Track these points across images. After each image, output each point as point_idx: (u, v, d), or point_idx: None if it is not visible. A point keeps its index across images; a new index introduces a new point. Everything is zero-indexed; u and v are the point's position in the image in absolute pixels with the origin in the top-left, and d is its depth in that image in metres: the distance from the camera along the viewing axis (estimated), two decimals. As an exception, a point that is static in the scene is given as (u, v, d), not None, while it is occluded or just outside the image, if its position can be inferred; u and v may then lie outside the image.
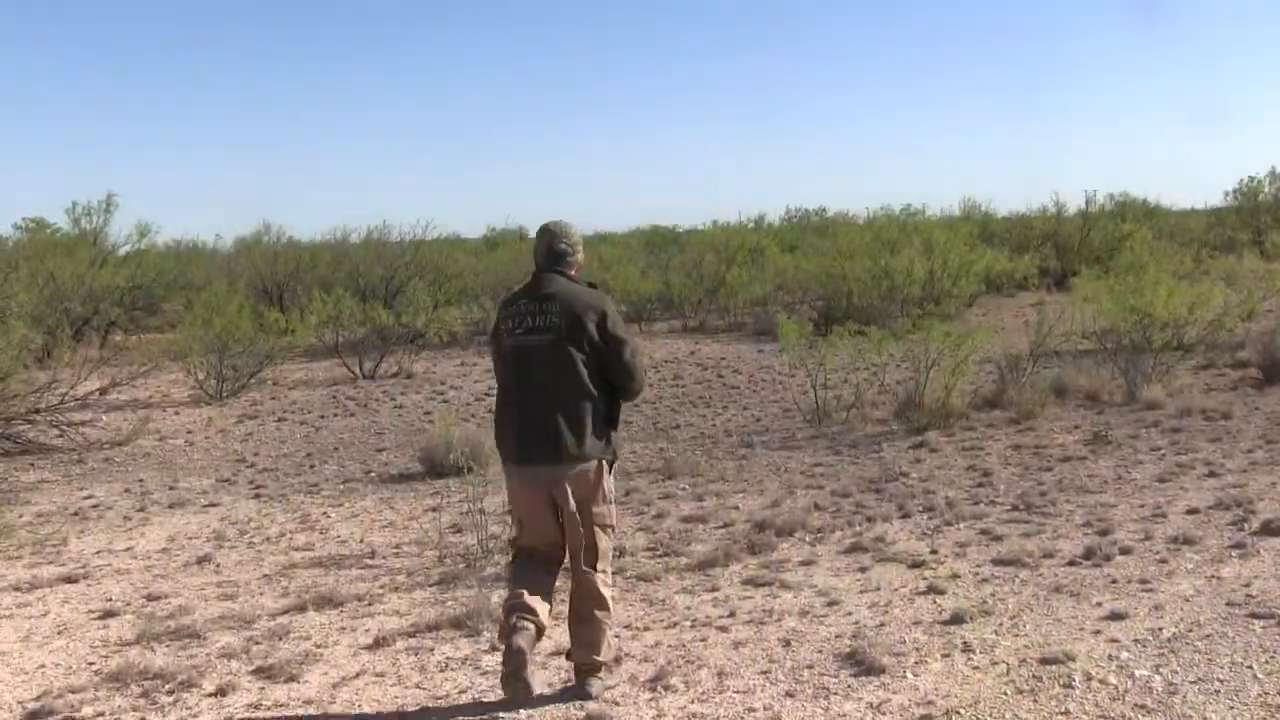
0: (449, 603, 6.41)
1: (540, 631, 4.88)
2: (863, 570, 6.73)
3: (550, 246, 5.12)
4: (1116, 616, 5.62)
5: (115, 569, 7.53)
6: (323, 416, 13.98)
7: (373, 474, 10.50)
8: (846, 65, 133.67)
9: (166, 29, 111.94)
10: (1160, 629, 5.43)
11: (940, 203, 50.53)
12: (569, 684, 5.11)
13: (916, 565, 6.74)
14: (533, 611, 4.82)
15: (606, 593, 5.06)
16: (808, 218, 43.87)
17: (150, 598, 6.78)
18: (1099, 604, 5.85)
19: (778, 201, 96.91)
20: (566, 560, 5.10)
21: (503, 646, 4.84)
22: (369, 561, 7.47)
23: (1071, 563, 6.62)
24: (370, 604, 6.48)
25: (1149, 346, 12.74)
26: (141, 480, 10.53)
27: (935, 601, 6.06)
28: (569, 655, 5.13)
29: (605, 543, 5.08)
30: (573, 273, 5.14)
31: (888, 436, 10.91)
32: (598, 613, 5.02)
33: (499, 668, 4.90)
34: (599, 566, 5.03)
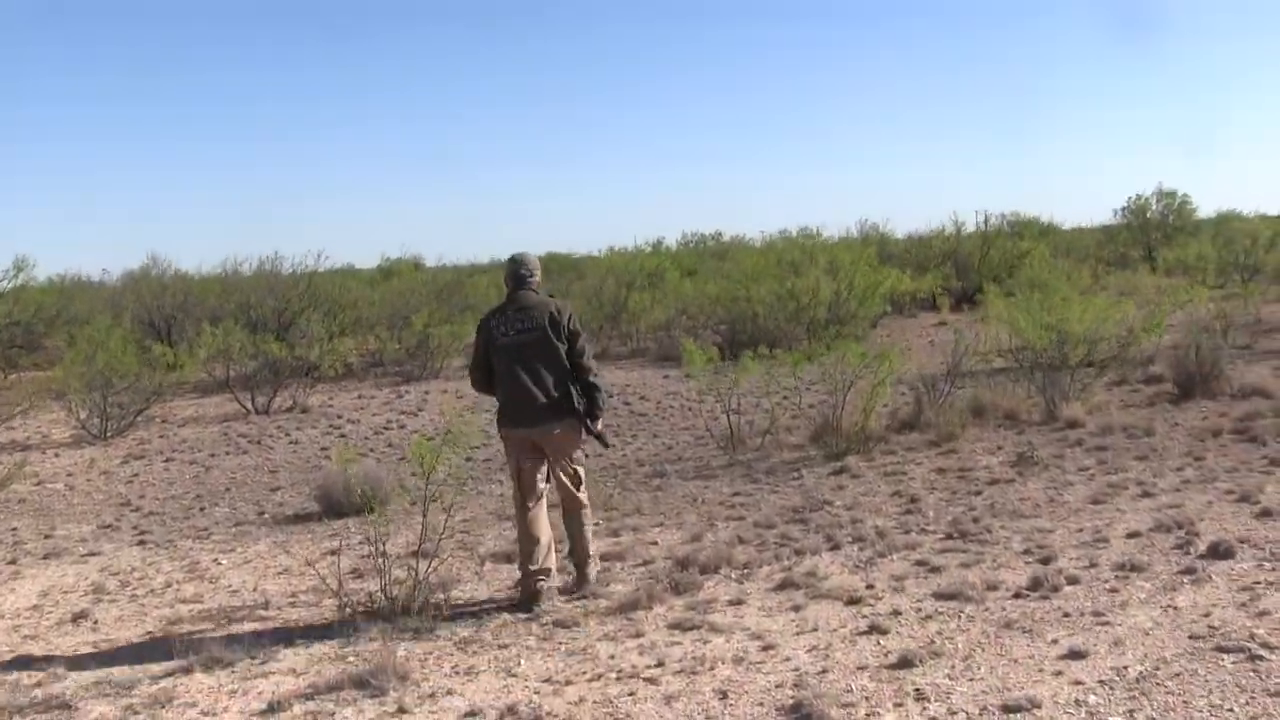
0: (350, 658, 5.84)
1: (544, 545, 6.75)
2: (796, 609, 6.29)
3: (517, 272, 6.98)
4: (1076, 655, 5.23)
5: (-24, 631, 6.82)
6: (213, 455, 13.24)
7: (267, 515, 9.85)
8: (732, 91, 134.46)
9: (42, 47, 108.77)
10: (1125, 667, 5.05)
11: (837, 225, 50.71)
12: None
13: (854, 602, 6.32)
14: (536, 535, 6.73)
15: (583, 497, 7.00)
16: (704, 242, 43.84)
17: (15, 663, 6.09)
18: (1055, 640, 5.47)
19: (672, 227, 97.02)
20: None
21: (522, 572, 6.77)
22: (262, 613, 6.85)
23: (1018, 595, 6.26)
24: (264, 662, 5.88)
25: (1065, 364, 12.54)
26: (14, 529, 9.76)
27: (879, 642, 5.64)
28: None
29: (581, 472, 7.03)
30: (535, 288, 6.99)
31: (806, 462, 10.52)
32: (582, 514, 6.97)
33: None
34: (580, 490, 6.96)
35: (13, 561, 8.60)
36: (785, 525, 8.20)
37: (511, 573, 7.48)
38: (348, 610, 6.55)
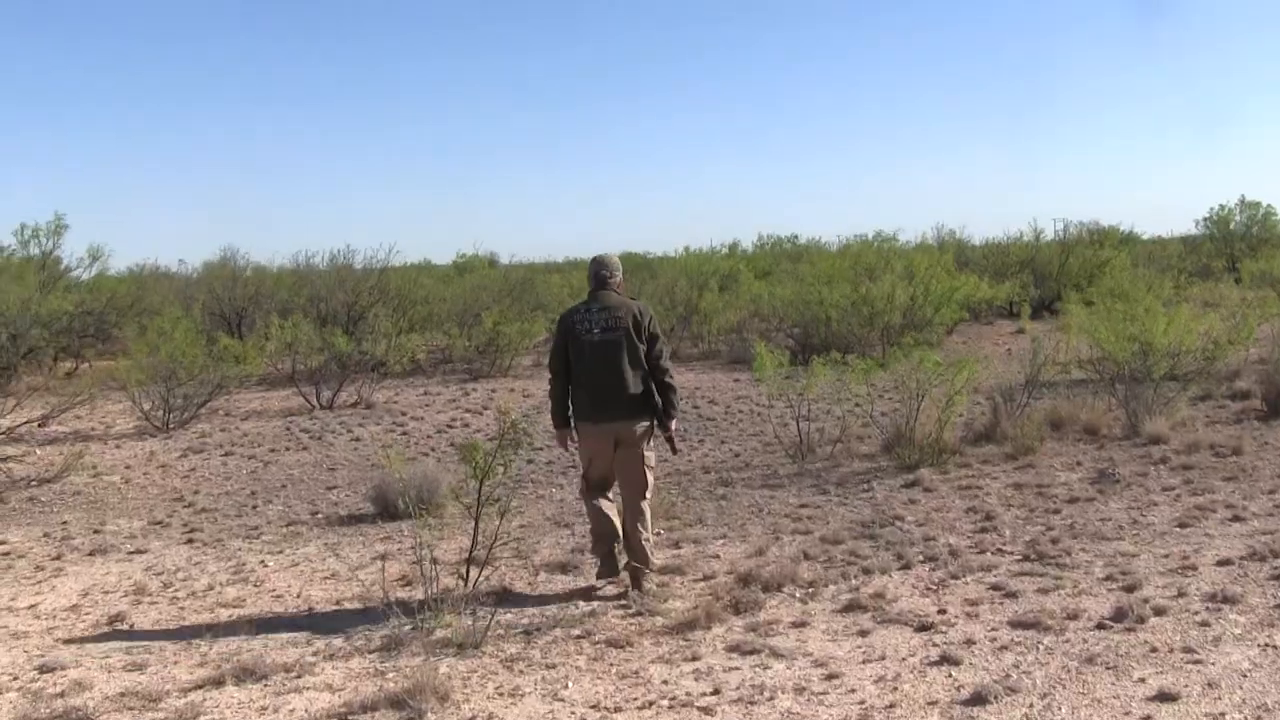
0: (390, 674, 5.55)
1: (617, 530, 7.02)
2: (863, 634, 5.92)
3: (599, 273, 7.15)
4: (1166, 697, 4.82)
5: (11, 632, 6.60)
6: (273, 450, 13.08)
7: (320, 515, 9.63)
8: (809, 94, 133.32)
9: (125, 44, 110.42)
10: (1222, 715, 4.63)
11: (913, 230, 50.06)
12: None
13: (924, 628, 5.94)
14: (610, 519, 7.03)
15: (648, 509, 7.10)
16: (780, 244, 43.36)
17: (43, 669, 5.85)
18: (1142, 679, 5.05)
19: (748, 229, 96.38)
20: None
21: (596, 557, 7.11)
22: (304, 622, 6.60)
23: (1100, 625, 5.84)
24: (299, 675, 5.61)
25: (1149, 377, 12.01)
26: (65, 523, 9.62)
27: (950, 675, 5.25)
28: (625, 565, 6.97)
29: (650, 477, 7.12)
30: (617, 288, 7.17)
31: (877, 474, 10.12)
32: (640, 527, 6.98)
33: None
34: (646, 495, 7.07)
35: (58, 557, 8.43)
36: (854, 541, 7.82)
37: (566, 583, 7.20)
38: (391, 621, 6.27)
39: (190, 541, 8.80)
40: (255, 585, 7.46)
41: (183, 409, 15.10)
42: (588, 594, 6.94)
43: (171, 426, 14.77)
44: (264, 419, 15.67)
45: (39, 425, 14.56)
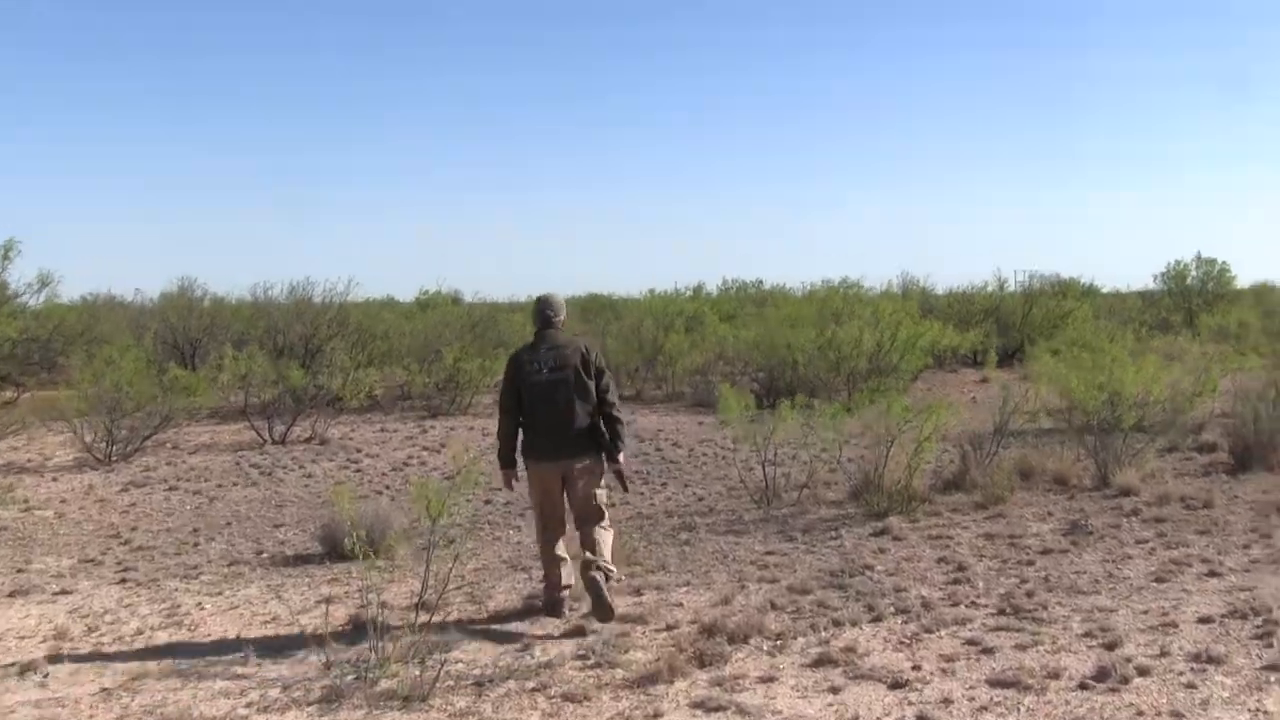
0: (329, 729, 5.18)
1: (566, 578, 7.22)
2: (835, 691, 5.59)
3: (544, 313, 7.40)
4: (1159, 767, 4.53)
5: (-86, 681, 6.12)
6: (220, 486, 12.65)
7: (265, 555, 9.22)
8: (771, 139, 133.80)
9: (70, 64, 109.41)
10: (1220, 786, 4.35)
11: (876, 278, 50.14)
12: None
13: (898, 685, 5.63)
14: (560, 560, 7.22)
15: (607, 539, 7.27)
16: (745, 289, 43.25)
17: (-58, 725, 5.43)
18: (1132, 747, 4.76)
19: (713, 273, 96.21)
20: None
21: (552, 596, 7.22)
22: (239, 671, 6.18)
23: (1083, 685, 5.55)
24: (229, 731, 5.23)
25: (1118, 427, 11.79)
26: (-10, 560, 9.17)
27: (928, 737, 4.94)
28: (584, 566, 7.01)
29: (602, 505, 7.35)
30: (560, 327, 7.39)
31: (845, 521, 9.83)
32: (601, 526, 7.27)
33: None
34: (603, 523, 7.31)
35: (-26, 598, 7.96)
36: (822, 590, 7.50)
37: (521, 629, 6.85)
38: (333, 670, 5.90)
39: (123, 581, 8.35)
40: (190, 629, 7.04)
41: (126, 441, 14.64)
42: (543, 640, 6.59)
43: (114, 459, 14.31)
44: (213, 453, 15.23)
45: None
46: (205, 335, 24.09)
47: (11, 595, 8.01)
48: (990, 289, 31.88)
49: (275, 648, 6.58)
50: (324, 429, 16.48)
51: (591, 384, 7.18)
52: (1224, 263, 37.01)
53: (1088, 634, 6.40)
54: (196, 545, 9.63)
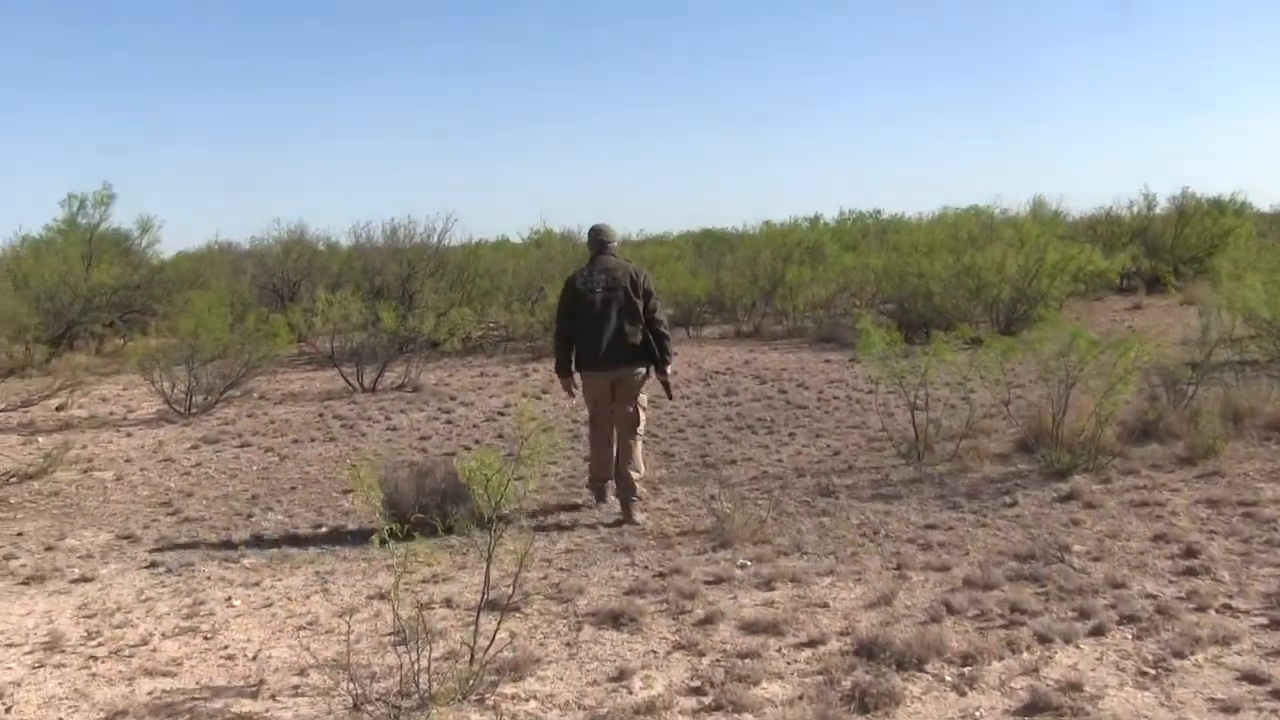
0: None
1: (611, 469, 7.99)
2: (1062, 757, 3.90)
3: (598, 239, 8.13)
4: None
5: None
6: (296, 441, 11.27)
7: (323, 529, 7.77)
8: (888, 70, 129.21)
9: (170, 29, 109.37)
10: None
11: (1007, 201, 47.17)
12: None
13: (1157, 749, 3.92)
14: (607, 458, 8.04)
15: (639, 445, 7.93)
16: (863, 219, 40.88)
17: None
18: None
19: (827, 205, 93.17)
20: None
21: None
22: (247, 703, 4.70)
23: None
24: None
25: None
26: (20, 535, 7.85)
27: None
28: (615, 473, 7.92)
29: (643, 416, 8.05)
30: (614, 252, 8.15)
31: (1017, 481, 8.06)
32: (631, 469, 7.76)
33: None
34: (639, 431, 7.97)
35: (-19, 588, 6.62)
36: (1011, 584, 5.75)
37: (619, 642, 5.26)
38: (365, 710, 4.37)
39: (152, 565, 6.92)
40: (205, 638, 5.55)
41: (208, 392, 13.40)
42: (645, 660, 4.99)
43: (194, 411, 13.08)
44: (300, 403, 13.94)
45: (58, 409, 13.17)
46: (302, 278, 22.89)
47: (26, 582, 6.67)
48: (1136, 209, 29.25)
49: (301, 667, 5.06)
50: (417, 375, 15.07)
51: (640, 303, 7.83)
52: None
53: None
54: (250, 517, 8.21)
